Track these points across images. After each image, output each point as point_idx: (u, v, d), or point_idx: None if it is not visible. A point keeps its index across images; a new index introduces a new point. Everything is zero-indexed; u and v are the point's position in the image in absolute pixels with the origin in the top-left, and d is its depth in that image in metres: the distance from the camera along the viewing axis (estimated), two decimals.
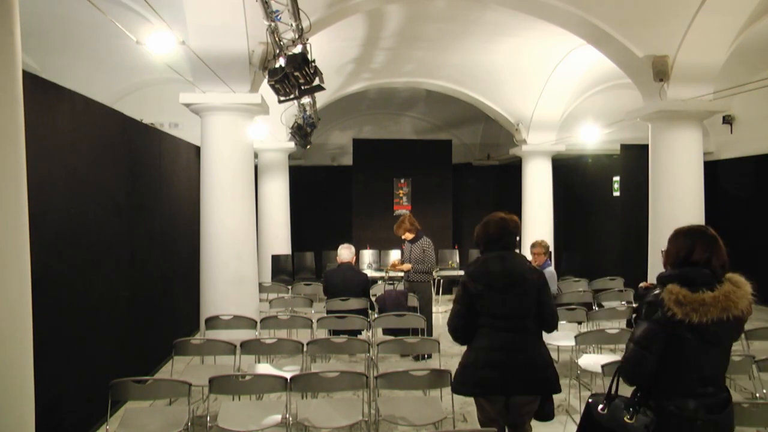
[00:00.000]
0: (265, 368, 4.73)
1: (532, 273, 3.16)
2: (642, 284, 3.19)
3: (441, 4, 6.79)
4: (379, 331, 5.97)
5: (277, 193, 10.24)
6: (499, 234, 3.23)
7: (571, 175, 12.86)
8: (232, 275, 5.81)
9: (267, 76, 4.60)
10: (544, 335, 3.25)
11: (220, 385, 3.65)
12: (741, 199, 9.97)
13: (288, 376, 3.60)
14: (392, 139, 12.91)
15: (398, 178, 11.71)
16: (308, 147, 9.63)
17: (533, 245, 6.65)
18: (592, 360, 4.77)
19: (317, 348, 4.54)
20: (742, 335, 4.84)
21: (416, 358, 5.90)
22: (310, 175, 13.07)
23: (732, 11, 5.64)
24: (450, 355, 6.72)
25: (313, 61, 4.52)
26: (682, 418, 2.37)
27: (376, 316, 5.56)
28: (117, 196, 5.19)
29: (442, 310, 9.53)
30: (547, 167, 10.53)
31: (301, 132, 8.34)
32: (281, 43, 4.58)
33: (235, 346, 4.42)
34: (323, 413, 3.71)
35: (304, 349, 4.44)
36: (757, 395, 4.10)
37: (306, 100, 7.37)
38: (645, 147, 6.86)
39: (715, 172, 10.03)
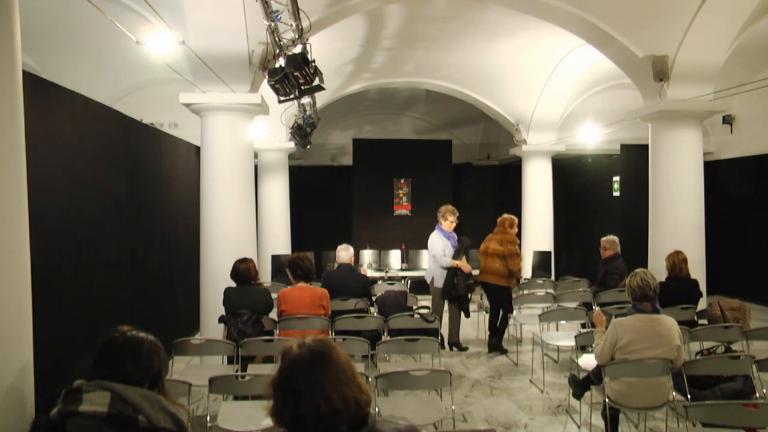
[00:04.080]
0: (265, 368, 4.73)
1: None
2: None
3: (441, 4, 6.79)
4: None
5: (277, 193, 10.23)
6: None
7: (571, 175, 12.85)
8: None
9: (267, 76, 4.60)
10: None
11: (220, 385, 3.64)
12: (741, 199, 9.97)
13: None
14: (392, 139, 12.89)
15: (398, 178, 11.70)
16: (308, 147, 9.62)
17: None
18: (592, 359, 4.76)
19: None
20: (742, 335, 4.84)
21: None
22: (310, 175, 13.06)
23: (732, 11, 5.64)
24: (450, 354, 6.73)
25: (313, 61, 4.52)
26: None
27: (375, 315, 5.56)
28: (117, 196, 5.19)
29: None
30: (547, 167, 10.53)
31: (301, 132, 8.34)
32: (281, 43, 4.58)
33: (235, 346, 4.42)
34: None
35: None
36: (757, 395, 4.09)
37: (306, 100, 7.36)
38: (645, 147, 6.86)
39: (715, 172, 10.02)
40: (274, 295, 5.52)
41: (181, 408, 2.04)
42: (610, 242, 6.67)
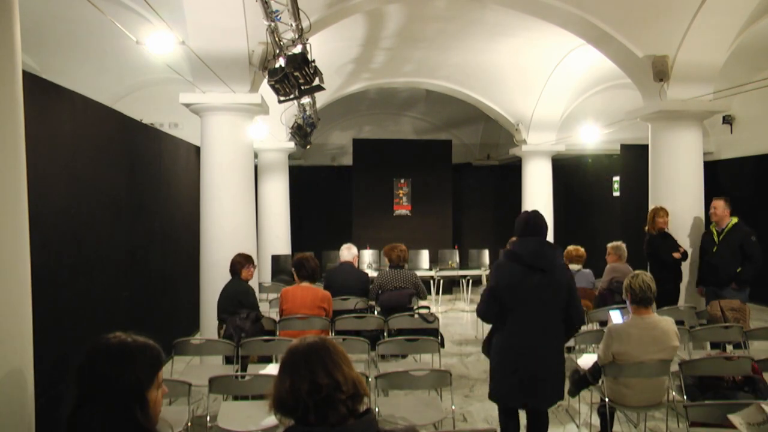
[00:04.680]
0: (264, 368, 4.73)
1: None
2: None
3: (441, 4, 6.79)
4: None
5: (277, 193, 10.23)
6: None
7: (571, 175, 12.85)
8: None
9: (267, 76, 4.60)
10: None
11: (220, 385, 3.64)
12: (741, 199, 9.95)
13: None
14: (392, 139, 12.90)
15: (398, 178, 11.70)
16: (308, 147, 9.63)
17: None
18: (592, 360, 4.75)
19: None
20: (742, 335, 4.83)
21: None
22: (310, 175, 13.07)
23: (732, 11, 5.64)
24: (450, 354, 6.73)
25: (313, 61, 4.52)
26: None
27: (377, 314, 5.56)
28: (117, 196, 5.19)
29: (442, 309, 9.53)
30: (547, 167, 10.53)
31: (301, 132, 8.34)
32: (281, 43, 4.58)
33: (235, 346, 4.42)
34: None
35: None
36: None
37: (306, 100, 7.36)
38: (645, 147, 6.86)
39: (715, 172, 10.01)
40: (273, 295, 5.54)
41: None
42: (614, 248, 6.33)
